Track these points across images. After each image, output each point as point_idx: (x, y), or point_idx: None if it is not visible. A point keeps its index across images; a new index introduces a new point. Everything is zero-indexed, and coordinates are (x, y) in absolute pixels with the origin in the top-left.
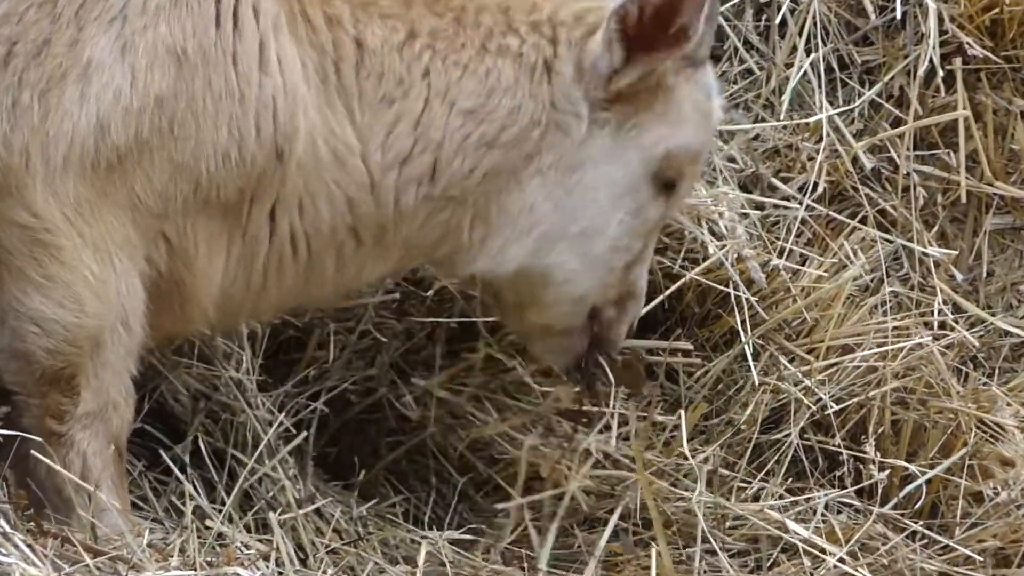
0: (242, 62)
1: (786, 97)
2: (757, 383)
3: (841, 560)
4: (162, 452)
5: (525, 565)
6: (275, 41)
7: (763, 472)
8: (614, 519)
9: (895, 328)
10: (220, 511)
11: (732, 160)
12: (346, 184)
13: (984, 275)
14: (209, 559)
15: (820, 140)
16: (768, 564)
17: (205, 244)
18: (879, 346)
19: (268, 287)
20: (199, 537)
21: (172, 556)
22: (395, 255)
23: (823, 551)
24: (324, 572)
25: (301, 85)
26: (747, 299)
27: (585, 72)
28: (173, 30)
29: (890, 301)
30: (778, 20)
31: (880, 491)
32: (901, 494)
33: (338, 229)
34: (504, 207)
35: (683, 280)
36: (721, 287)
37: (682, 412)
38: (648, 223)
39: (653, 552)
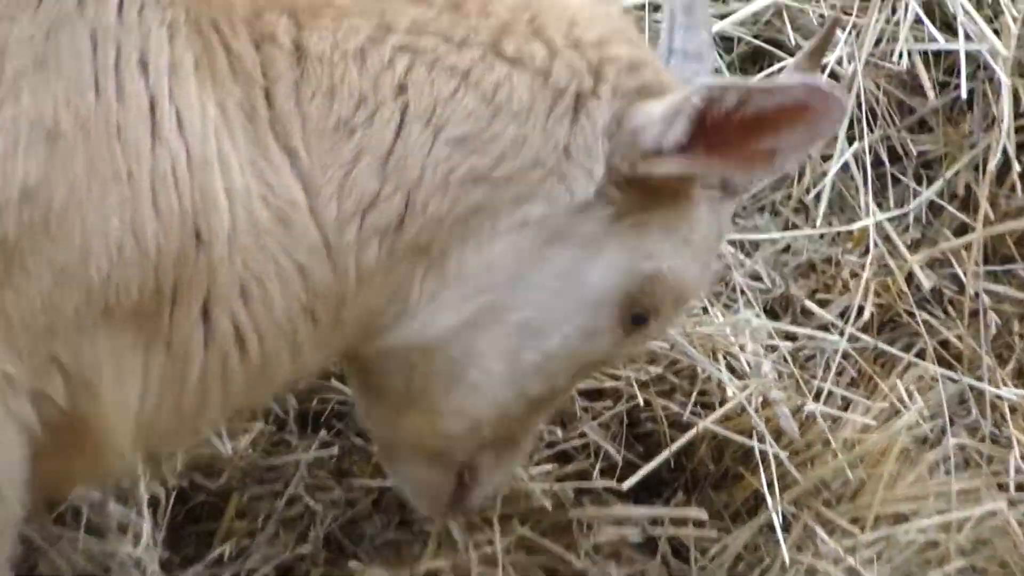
0: (128, 130)
1: (824, 198)
2: (788, 562)
3: None
4: None
5: None
6: (170, 95)
7: None
8: None
9: (961, 491)
10: None
11: (756, 278)
12: (295, 251)
13: None
14: None
15: (866, 252)
16: None
17: (112, 366)
18: (941, 514)
19: (209, 404)
20: None
21: None
22: (349, 331)
23: None
24: None
25: (212, 141)
26: (775, 454)
27: (623, 133)
28: (40, 101)
29: (955, 456)
30: None
31: None
32: None
33: (293, 313)
34: (465, 260)
35: (695, 430)
36: (743, 439)
37: None
38: (590, 356)
39: None
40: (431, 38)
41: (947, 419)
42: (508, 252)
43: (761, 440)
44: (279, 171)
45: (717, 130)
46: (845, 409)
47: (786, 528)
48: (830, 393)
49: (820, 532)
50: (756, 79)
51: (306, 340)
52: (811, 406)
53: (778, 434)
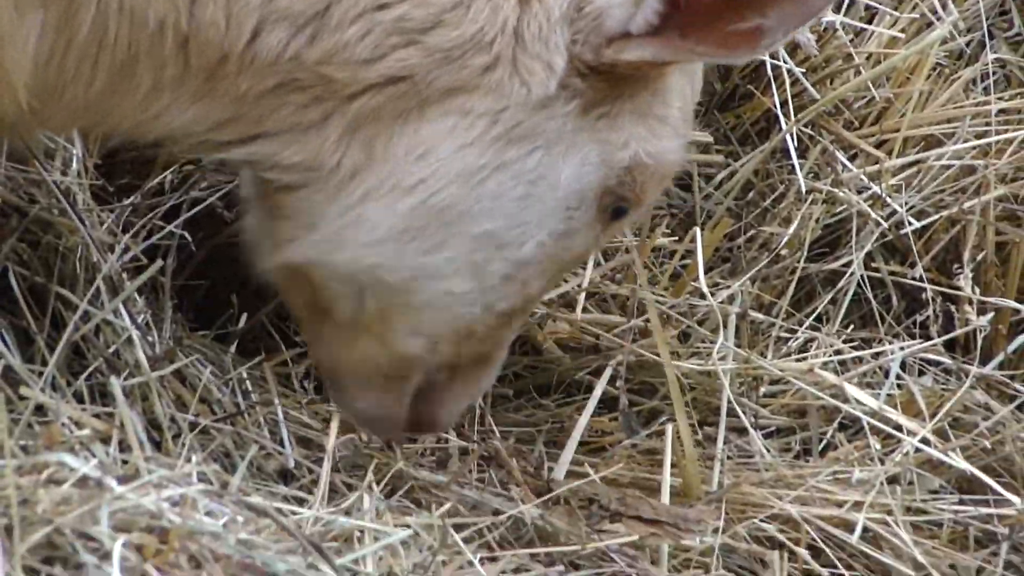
0: None
1: None
2: (804, 190)
3: (925, 441)
4: None
5: (476, 440)
6: None
7: (812, 316)
8: (602, 384)
9: (1002, 111)
10: (40, 374)
11: None
12: None
13: None
14: (24, 442)
15: None
16: (820, 448)
17: None
18: (979, 137)
19: (78, 80)
20: (10, 411)
21: None
22: (217, 111)
23: (899, 428)
24: (187, 459)
25: None
26: (789, 70)
27: (584, 16)
28: None
29: (995, 73)
30: None
31: (980, 343)
32: (1010, 348)
33: (167, 30)
34: (393, 138)
35: None
36: None
37: (697, 231)
38: (567, 257)
39: (668, 431)
40: None
41: (986, 31)
42: (448, 142)
43: (773, 55)
44: None
45: (693, 7)
46: (870, 21)
47: (802, 153)
48: (853, 2)
49: (840, 157)
50: None
51: (170, 82)
52: (831, 17)
53: (793, 48)
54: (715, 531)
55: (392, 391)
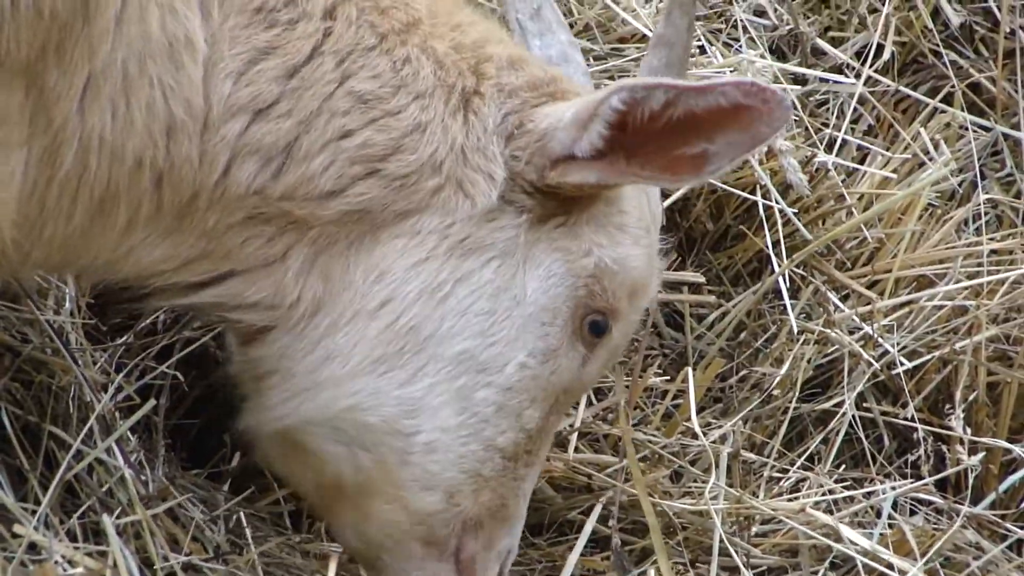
0: None
1: None
2: (796, 330)
3: None
4: None
5: None
6: None
7: (804, 456)
8: (591, 522)
9: (993, 252)
10: (34, 512)
11: (760, 13)
12: (173, 97)
13: None
14: None
15: None
16: None
17: (3, 127)
18: (970, 278)
19: (58, 214)
20: (3, 549)
21: None
22: (185, 247)
23: (891, 567)
24: None
25: None
26: (781, 211)
27: (526, 135)
28: None
29: (987, 214)
30: None
31: (971, 483)
32: (1001, 487)
33: (144, 167)
34: (350, 267)
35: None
36: (745, 194)
37: (689, 371)
38: (556, 381)
39: (650, 571)
40: None
41: (977, 172)
42: (400, 262)
43: (766, 196)
44: (189, 5)
45: (640, 132)
46: (862, 161)
47: (793, 294)
48: (845, 143)
49: (832, 297)
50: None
51: (144, 220)
52: (823, 157)
53: (785, 188)
54: None
55: (432, 556)
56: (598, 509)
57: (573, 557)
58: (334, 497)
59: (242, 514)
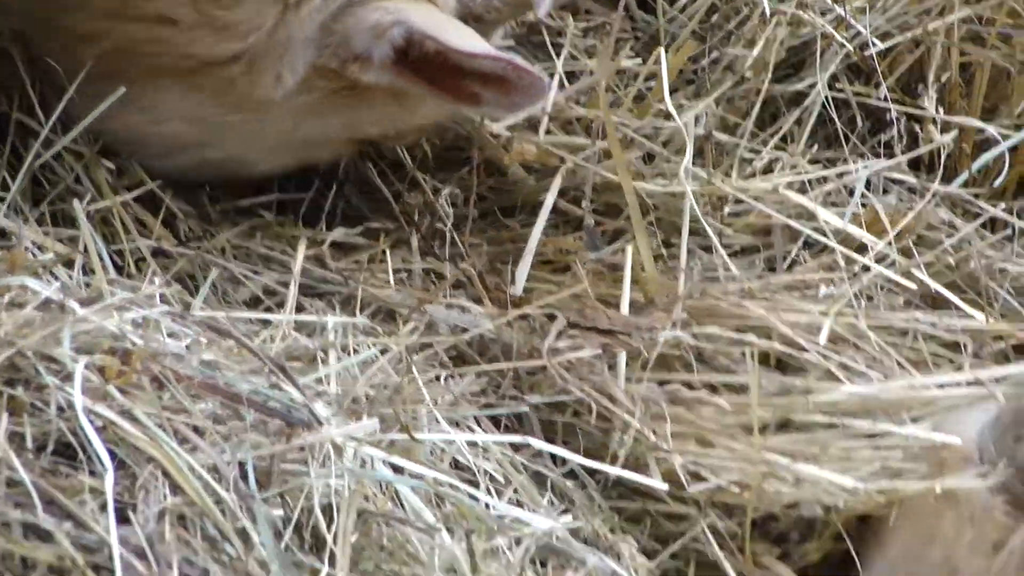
0: None
1: None
2: (769, 12)
3: (887, 258)
4: None
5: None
6: None
7: (777, 136)
8: (551, 196)
9: None
10: (2, 200)
11: None
12: None
13: None
14: None
15: None
16: (785, 265)
17: None
18: None
19: None
20: None
21: None
22: None
23: (863, 246)
24: (151, 281)
25: None
26: None
27: (334, 35)
28: None
29: None
30: None
31: (944, 162)
32: (974, 166)
33: None
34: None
35: None
36: None
37: (662, 52)
38: None
39: (628, 250)
40: None
41: None
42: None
43: None
44: None
45: (421, 59)
46: None
47: None
48: None
49: None
50: None
51: None
52: None
53: None
54: (676, 325)
55: None
56: (559, 180)
57: (536, 229)
58: None
59: (206, 199)
